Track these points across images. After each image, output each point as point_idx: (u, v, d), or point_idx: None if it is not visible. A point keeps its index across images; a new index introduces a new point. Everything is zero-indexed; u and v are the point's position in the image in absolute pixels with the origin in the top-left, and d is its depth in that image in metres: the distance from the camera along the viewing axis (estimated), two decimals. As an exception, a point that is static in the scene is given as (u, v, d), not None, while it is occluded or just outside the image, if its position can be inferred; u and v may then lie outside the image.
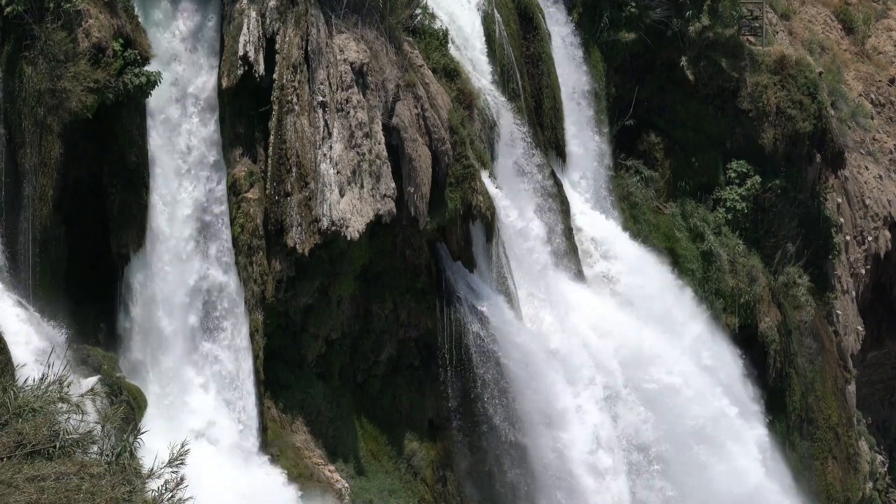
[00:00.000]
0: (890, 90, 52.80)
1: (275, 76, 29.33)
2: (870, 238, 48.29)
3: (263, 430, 29.08)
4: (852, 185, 47.98)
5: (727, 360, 40.21)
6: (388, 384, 32.36)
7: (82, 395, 14.05)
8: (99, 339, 26.78)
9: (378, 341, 32.18)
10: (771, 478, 39.10)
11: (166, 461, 12.95)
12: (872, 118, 51.18)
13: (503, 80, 36.21)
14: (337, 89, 29.85)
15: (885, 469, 49.41)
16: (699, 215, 42.18)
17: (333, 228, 29.26)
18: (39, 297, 25.40)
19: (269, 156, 29.24)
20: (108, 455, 13.42)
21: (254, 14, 29.09)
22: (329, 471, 30.03)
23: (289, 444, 29.69)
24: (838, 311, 45.99)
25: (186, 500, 13.29)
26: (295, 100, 29.30)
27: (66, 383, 13.81)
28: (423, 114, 31.21)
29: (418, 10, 33.22)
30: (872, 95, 51.89)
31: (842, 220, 46.28)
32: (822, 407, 44.25)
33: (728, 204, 42.66)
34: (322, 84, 29.62)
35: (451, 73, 33.58)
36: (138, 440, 14.32)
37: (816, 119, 43.80)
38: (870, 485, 46.96)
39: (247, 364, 28.88)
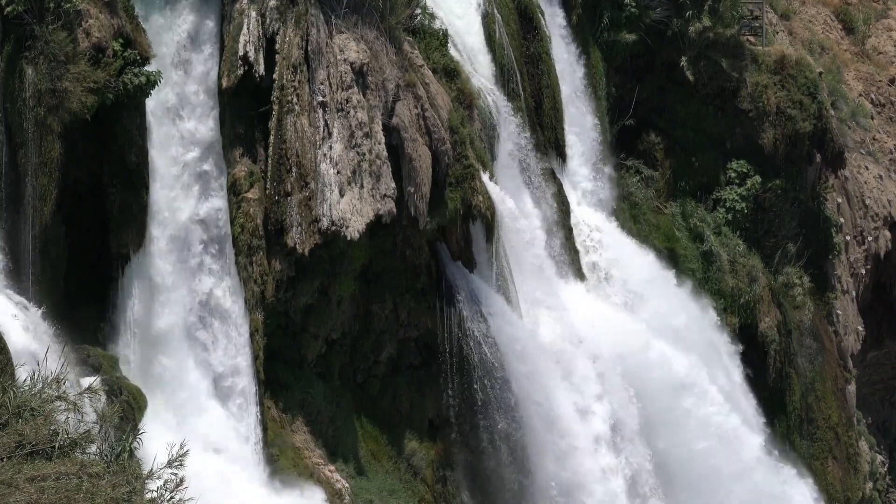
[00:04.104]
0: (890, 90, 52.80)
1: (275, 76, 29.33)
2: (870, 238, 48.29)
3: (263, 430, 29.09)
4: (852, 185, 47.98)
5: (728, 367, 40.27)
6: (388, 384, 32.37)
7: (80, 394, 14.06)
8: (99, 339, 26.77)
9: (378, 341, 32.19)
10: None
11: (165, 462, 12.96)
12: (872, 118, 51.17)
13: (503, 80, 36.21)
14: (337, 89, 29.86)
15: (885, 469, 49.40)
16: (699, 215, 42.18)
17: (333, 228, 29.27)
18: (39, 297, 25.38)
19: (269, 156, 29.25)
20: (107, 455, 13.43)
21: (254, 14, 29.10)
22: (329, 471, 30.04)
23: (289, 444, 29.70)
24: (838, 311, 45.99)
25: (187, 500, 13.30)
26: (295, 100, 29.31)
27: (62, 381, 13.82)
28: (423, 114, 31.22)
29: (418, 10, 33.22)
30: (872, 95, 51.89)
31: (842, 220, 46.28)
32: (822, 407, 44.24)
33: (728, 204, 42.66)
34: (322, 84, 29.63)
35: (451, 73, 33.58)
36: (137, 440, 14.33)
37: (816, 119, 43.80)
38: (870, 485, 46.96)
39: (247, 364, 28.87)
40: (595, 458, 34.30)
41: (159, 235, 27.75)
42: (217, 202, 28.67)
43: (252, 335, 29.00)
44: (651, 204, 41.74)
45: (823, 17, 52.90)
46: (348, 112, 29.94)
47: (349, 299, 31.40)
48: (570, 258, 36.99)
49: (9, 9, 25.09)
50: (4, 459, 12.99)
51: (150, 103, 27.09)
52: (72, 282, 26.41)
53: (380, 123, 30.39)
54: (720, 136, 43.21)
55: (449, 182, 31.72)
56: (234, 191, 29.09)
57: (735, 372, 40.55)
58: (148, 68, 26.50)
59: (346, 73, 29.99)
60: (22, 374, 20.92)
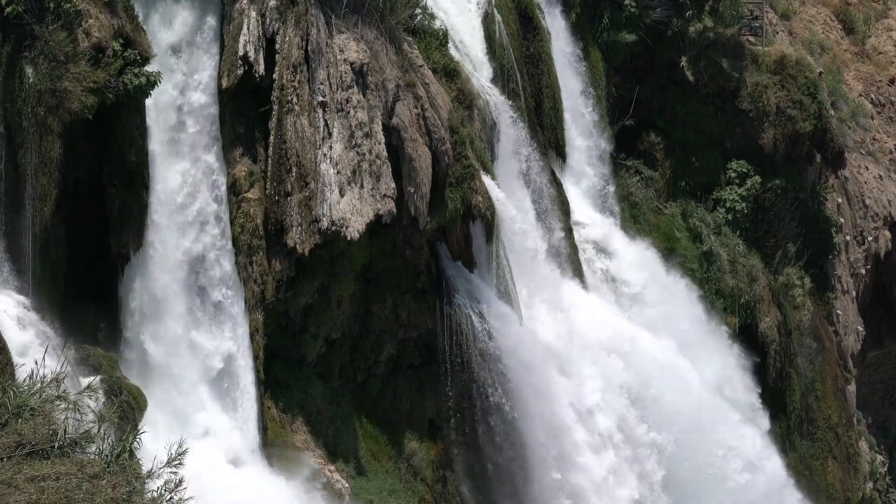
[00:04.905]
0: (890, 90, 52.81)
1: (275, 76, 29.34)
2: (870, 238, 48.31)
3: (263, 430, 29.10)
4: (852, 185, 47.99)
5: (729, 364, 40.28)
6: (388, 384, 32.36)
7: (79, 393, 14.07)
8: (99, 339, 26.77)
9: (378, 341, 32.19)
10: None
11: (165, 462, 12.96)
12: (872, 118, 51.19)
13: (503, 80, 36.21)
14: (337, 89, 29.86)
15: (885, 469, 49.41)
16: (699, 215, 42.18)
17: (333, 228, 29.26)
18: (39, 297, 25.40)
19: (269, 156, 29.26)
20: (107, 455, 13.43)
21: (254, 14, 29.10)
22: (329, 471, 30.04)
23: (289, 444, 29.70)
24: (838, 311, 45.99)
25: (187, 500, 13.30)
26: (295, 100, 29.31)
27: (61, 379, 13.82)
28: (423, 114, 31.22)
29: (418, 10, 33.23)
30: (872, 95, 51.90)
31: (842, 220, 46.29)
32: (822, 407, 44.24)
33: (728, 204, 42.66)
34: (322, 84, 29.63)
35: (451, 73, 33.59)
36: (137, 440, 14.33)
37: (816, 119, 43.80)
38: (870, 485, 46.97)
39: (247, 364, 28.88)
40: (595, 457, 34.31)
41: None
42: None
43: (252, 335, 29.01)
44: (651, 204, 41.74)
45: (823, 17, 52.91)
46: (348, 112, 29.94)
47: (349, 299, 31.40)
48: (570, 258, 36.99)
49: (9, 9, 25.08)
50: (4, 459, 12.99)
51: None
52: (72, 282, 26.41)
53: (380, 123, 30.39)
54: (720, 136, 43.22)
55: (449, 182, 31.72)
56: (234, 191, 29.10)
57: (735, 372, 40.55)
58: (148, 68, 26.49)
59: (346, 73, 29.99)
60: (22, 374, 20.93)
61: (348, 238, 29.49)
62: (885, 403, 52.00)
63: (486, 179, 33.26)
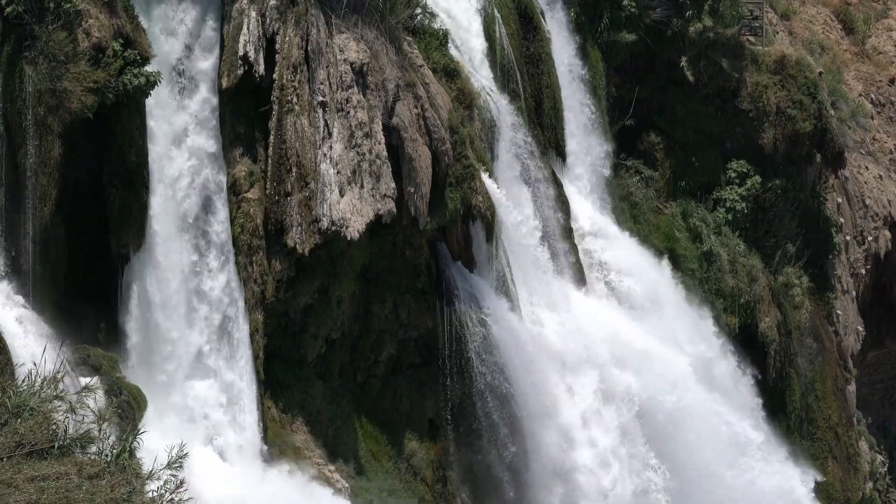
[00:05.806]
0: (890, 90, 52.81)
1: (275, 76, 29.34)
2: (870, 238, 48.30)
3: (263, 430, 29.10)
4: (852, 185, 47.99)
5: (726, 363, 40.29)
6: (388, 384, 32.37)
7: (78, 393, 14.08)
8: (99, 339, 26.77)
9: (378, 341, 32.19)
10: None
11: (165, 463, 12.97)
12: (872, 118, 51.19)
13: (503, 80, 36.22)
14: (337, 89, 29.87)
15: (885, 469, 49.41)
16: (699, 215, 42.19)
17: (333, 228, 29.27)
18: (39, 297, 25.40)
19: (269, 156, 29.27)
20: (107, 455, 13.44)
21: (254, 14, 29.11)
22: (329, 471, 30.04)
23: (289, 444, 29.71)
24: (838, 311, 45.99)
25: (187, 501, 13.31)
26: (295, 100, 29.32)
27: (60, 379, 13.83)
28: (423, 114, 31.22)
29: (418, 10, 33.24)
30: (872, 95, 51.90)
31: (842, 220, 46.29)
32: (822, 407, 44.25)
33: (728, 204, 42.66)
34: (322, 84, 29.64)
35: (451, 73, 33.59)
36: (137, 440, 14.33)
37: (816, 119, 43.82)
38: (870, 485, 46.97)
39: (247, 364, 28.88)
40: (595, 457, 34.30)
41: None
42: None
43: (252, 335, 29.01)
44: (651, 204, 41.74)
45: (823, 17, 52.91)
46: (348, 112, 29.95)
47: (349, 299, 31.41)
48: (570, 258, 37.00)
49: (9, 9, 25.09)
50: (4, 459, 12.99)
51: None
52: (72, 282, 26.42)
53: (380, 123, 30.39)
54: (720, 136, 43.23)
55: (449, 182, 31.73)
56: (234, 191, 29.11)
57: (732, 370, 40.54)
58: (148, 68, 26.50)
59: (346, 73, 29.99)
60: (21, 373, 20.94)
61: (348, 238, 29.50)
62: (885, 403, 52.00)
63: (486, 179, 33.26)
